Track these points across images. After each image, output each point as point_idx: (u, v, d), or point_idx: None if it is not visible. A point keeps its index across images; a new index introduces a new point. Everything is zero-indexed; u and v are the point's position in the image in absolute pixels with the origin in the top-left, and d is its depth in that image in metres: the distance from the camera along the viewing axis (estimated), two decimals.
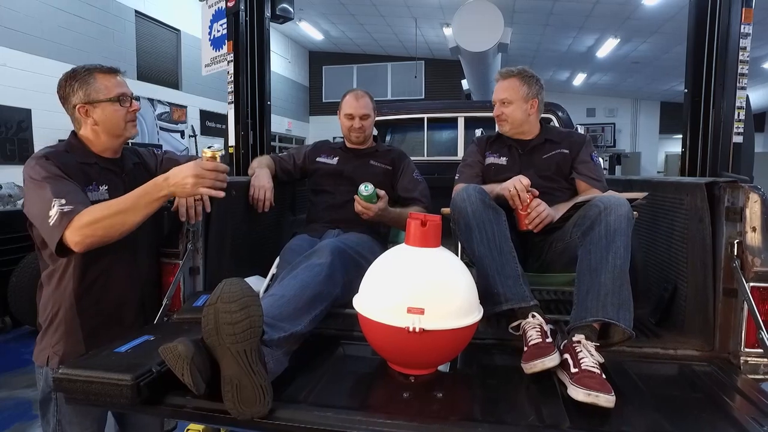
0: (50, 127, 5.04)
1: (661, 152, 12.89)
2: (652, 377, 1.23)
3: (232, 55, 2.73)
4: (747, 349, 1.27)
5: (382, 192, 1.78)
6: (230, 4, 2.78)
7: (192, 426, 1.89)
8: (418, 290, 1.11)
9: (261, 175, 1.88)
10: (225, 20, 2.90)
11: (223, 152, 1.29)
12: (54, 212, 1.21)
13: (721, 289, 1.32)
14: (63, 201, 1.22)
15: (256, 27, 2.70)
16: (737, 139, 2.13)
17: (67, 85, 1.36)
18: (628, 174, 10.66)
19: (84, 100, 1.35)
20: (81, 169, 1.35)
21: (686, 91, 2.25)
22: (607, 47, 8.75)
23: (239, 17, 2.67)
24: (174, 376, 1.00)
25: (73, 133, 1.43)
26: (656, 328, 1.48)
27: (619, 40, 8.33)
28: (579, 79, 11.38)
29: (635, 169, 11.56)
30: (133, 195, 1.26)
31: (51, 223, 1.21)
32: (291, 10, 3.06)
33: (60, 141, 5.22)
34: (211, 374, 1.02)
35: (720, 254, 1.32)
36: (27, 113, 4.90)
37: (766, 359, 1.23)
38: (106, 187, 1.39)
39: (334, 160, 2.01)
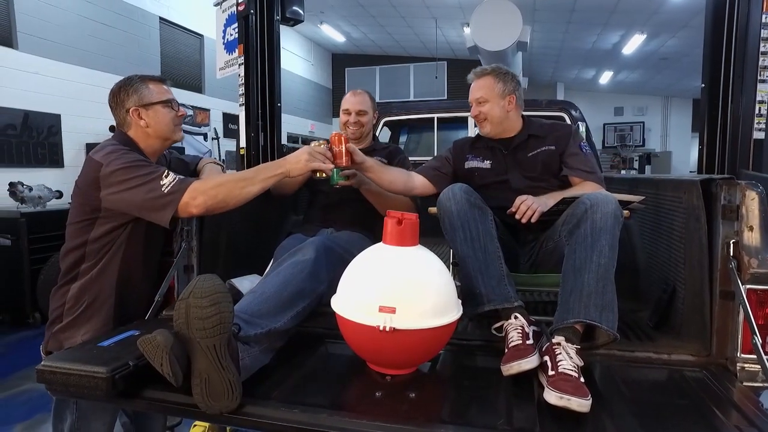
0: (78, 131, 5.24)
1: (693, 151, 12.42)
2: (639, 382, 1.19)
3: (242, 57, 2.79)
4: (744, 355, 1.21)
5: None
6: (240, 8, 2.84)
7: (198, 422, 1.93)
8: (390, 289, 1.10)
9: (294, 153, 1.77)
10: (237, 24, 2.96)
11: (327, 144, 1.58)
12: (170, 180, 1.32)
13: (718, 292, 1.26)
14: (172, 174, 1.33)
15: (266, 30, 2.74)
16: (758, 135, 2.03)
17: (122, 91, 1.47)
18: (658, 173, 10.34)
19: (138, 103, 1.46)
20: None
21: (703, 85, 2.17)
22: (634, 43, 8.48)
23: (249, 20, 2.72)
24: (150, 371, 1.03)
25: (122, 133, 1.50)
26: (652, 331, 1.43)
27: (645, 35, 8.06)
28: (605, 77, 11.08)
29: (666, 168, 11.19)
30: (253, 169, 1.45)
31: (167, 190, 1.30)
32: (301, 12, 3.08)
33: (87, 144, 5.47)
34: (187, 368, 1.04)
35: (716, 254, 1.26)
36: (57, 118, 5.10)
37: (761, 366, 1.16)
38: None
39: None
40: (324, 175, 1.53)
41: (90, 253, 1.42)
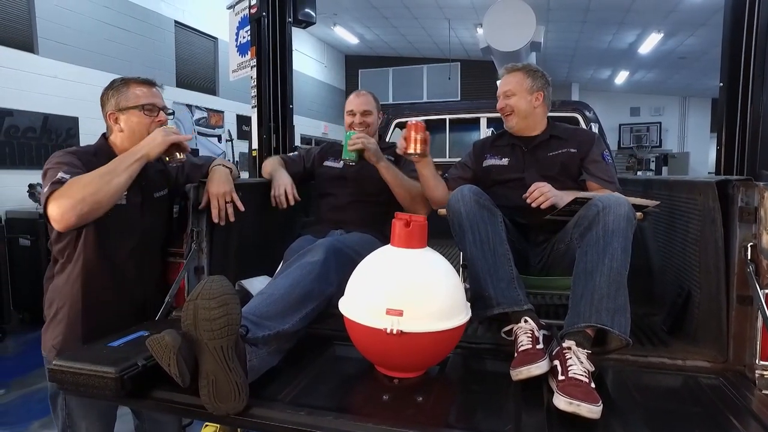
0: (95, 133, 5.27)
1: (712, 152, 12.15)
2: (652, 389, 1.16)
3: (255, 60, 2.81)
4: (763, 362, 1.17)
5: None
6: (253, 11, 2.86)
7: (209, 423, 1.94)
8: (397, 291, 1.09)
9: (281, 174, 1.91)
10: (249, 26, 2.98)
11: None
12: (52, 181, 1.24)
13: (735, 296, 1.23)
14: (68, 175, 1.27)
15: (278, 32, 2.75)
16: None
17: (104, 95, 1.46)
18: (675, 175, 10.16)
19: (114, 108, 1.44)
20: None
21: (721, 84, 2.13)
22: (650, 43, 8.34)
23: (261, 23, 2.73)
24: (159, 371, 1.03)
25: (104, 136, 1.51)
26: (666, 336, 1.40)
27: (662, 34, 7.92)
28: (621, 77, 10.92)
29: (684, 169, 10.98)
30: (112, 161, 1.35)
31: (44, 191, 1.24)
32: (313, 14, 3.10)
33: None
34: (195, 369, 1.04)
35: (733, 258, 1.23)
36: (74, 121, 5.19)
37: None
38: (125, 194, 1.42)
39: (341, 163, 2.02)
40: (182, 155, 1.47)
41: (56, 255, 1.42)
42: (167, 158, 1.48)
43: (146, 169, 1.52)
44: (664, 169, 10.99)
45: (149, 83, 1.50)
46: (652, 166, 11.17)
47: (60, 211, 1.22)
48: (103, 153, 1.45)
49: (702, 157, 11.87)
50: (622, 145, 11.75)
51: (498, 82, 1.86)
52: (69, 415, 1.43)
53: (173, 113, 1.58)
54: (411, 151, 1.61)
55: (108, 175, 1.29)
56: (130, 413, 1.67)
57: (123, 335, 1.24)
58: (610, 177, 1.65)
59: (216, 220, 1.57)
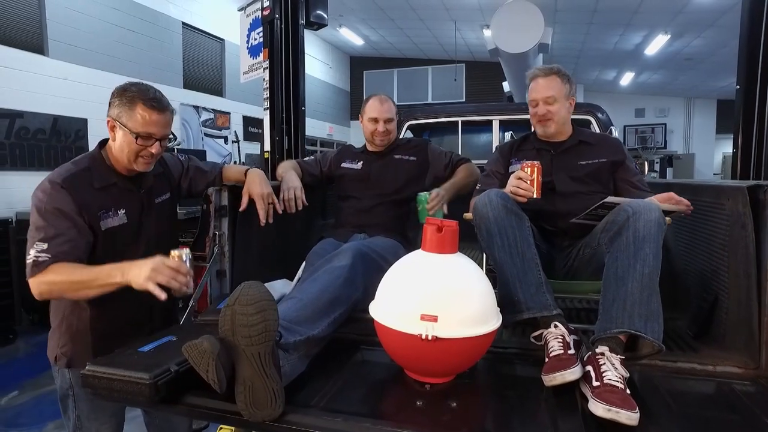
0: (104, 135, 5.33)
1: (718, 153, 12.16)
2: (685, 395, 1.15)
3: (267, 62, 2.81)
4: None
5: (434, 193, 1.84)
6: (266, 13, 2.86)
7: (224, 425, 1.94)
8: (431, 297, 1.09)
9: (290, 177, 1.89)
10: (261, 29, 2.99)
11: (190, 256, 1.33)
12: (31, 255, 1.28)
13: (767, 302, 1.22)
14: (45, 246, 1.27)
15: (291, 34, 2.76)
16: None
17: (113, 96, 1.38)
18: (680, 177, 10.13)
19: (114, 116, 1.36)
20: (98, 196, 1.37)
21: (738, 87, 2.13)
22: (657, 44, 8.33)
23: (274, 25, 2.74)
24: (192, 377, 1.03)
25: (101, 144, 1.46)
26: (694, 342, 1.39)
27: (669, 36, 7.91)
28: (626, 78, 10.90)
29: (689, 171, 10.95)
30: (94, 272, 1.27)
31: (27, 261, 1.29)
32: (325, 16, 3.11)
33: None
34: (231, 375, 1.04)
35: (765, 264, 1.22)
36: (83, 123, 5.21)
37: None
38: (124, 211, 1.41)
39: (359, 165, 2.03)
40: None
41: None
42: None
43: (145, 178, 1.48)
44: (669, 170, 10.96)
45: (158, 108, 1.37)
46: (657, 167, 11.14)
47: (35, 291, 1.30)
48: (97, 167, 1.41)
49: (707, 158, 11.85)
50: (627, 147, 11.72)
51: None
52: (79, 417, 1.43)
53: (175, 139, 1.52)
54: (536, 196, 1.45)
55: (80, 284, 1.28)
56: (140, 411, 1.66)
57: (152, 340, 1.24)
58: (647, 186, 1.66)
59: (263, 221, 1.62)
